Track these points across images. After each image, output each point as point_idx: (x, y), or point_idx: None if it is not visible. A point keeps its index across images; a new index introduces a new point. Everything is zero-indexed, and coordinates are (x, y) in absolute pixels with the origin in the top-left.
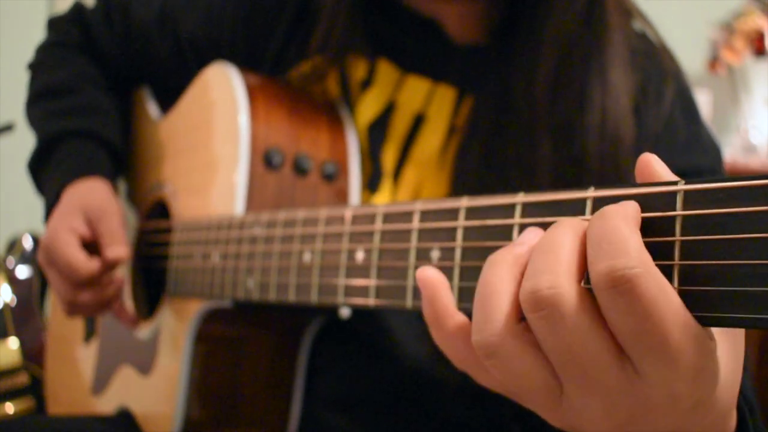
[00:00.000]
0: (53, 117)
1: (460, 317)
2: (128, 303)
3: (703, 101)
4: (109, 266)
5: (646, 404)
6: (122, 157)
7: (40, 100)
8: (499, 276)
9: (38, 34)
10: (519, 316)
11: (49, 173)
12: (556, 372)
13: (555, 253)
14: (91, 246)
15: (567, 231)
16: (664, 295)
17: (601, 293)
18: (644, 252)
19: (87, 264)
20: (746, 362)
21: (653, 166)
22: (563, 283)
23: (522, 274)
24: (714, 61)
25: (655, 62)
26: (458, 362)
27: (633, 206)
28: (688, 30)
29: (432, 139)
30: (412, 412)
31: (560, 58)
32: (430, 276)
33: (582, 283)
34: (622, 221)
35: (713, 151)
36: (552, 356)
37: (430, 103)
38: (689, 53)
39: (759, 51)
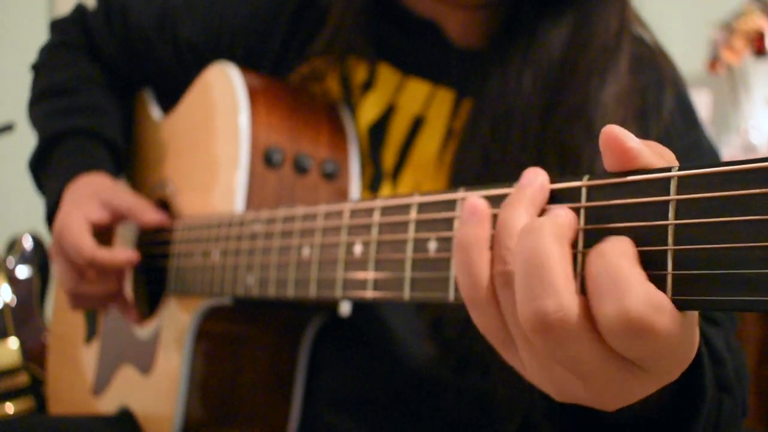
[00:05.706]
0: (55, 116)
1: None
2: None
3: (703, 101)
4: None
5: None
6: (123, 156)
7: (42, 99)
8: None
9: (39, 34)
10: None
11: (50, 171)
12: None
13: (547, 267)
14: (103, 239)
15: (546, 234)
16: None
17: (611, 335)
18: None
19: (92, 248)
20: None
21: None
22: (568, 303)
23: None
24: (714, 61)
25: (654, 68)
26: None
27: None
28: (688, 30)
29: (430, 142)
30: (413, 411)
31: (553, 69)
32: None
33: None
34: (624, 259)
35: (713, 156)
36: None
37: (430, 106)
38: (689, 53)
39: (759, 51)
